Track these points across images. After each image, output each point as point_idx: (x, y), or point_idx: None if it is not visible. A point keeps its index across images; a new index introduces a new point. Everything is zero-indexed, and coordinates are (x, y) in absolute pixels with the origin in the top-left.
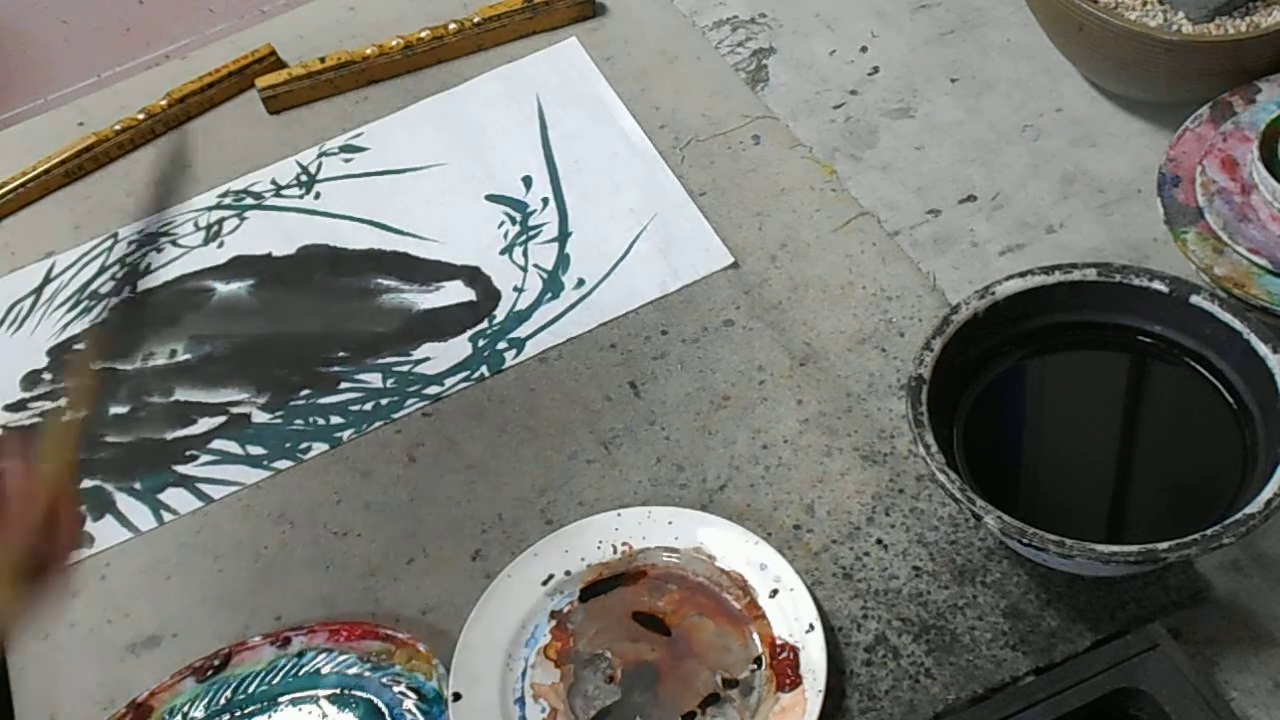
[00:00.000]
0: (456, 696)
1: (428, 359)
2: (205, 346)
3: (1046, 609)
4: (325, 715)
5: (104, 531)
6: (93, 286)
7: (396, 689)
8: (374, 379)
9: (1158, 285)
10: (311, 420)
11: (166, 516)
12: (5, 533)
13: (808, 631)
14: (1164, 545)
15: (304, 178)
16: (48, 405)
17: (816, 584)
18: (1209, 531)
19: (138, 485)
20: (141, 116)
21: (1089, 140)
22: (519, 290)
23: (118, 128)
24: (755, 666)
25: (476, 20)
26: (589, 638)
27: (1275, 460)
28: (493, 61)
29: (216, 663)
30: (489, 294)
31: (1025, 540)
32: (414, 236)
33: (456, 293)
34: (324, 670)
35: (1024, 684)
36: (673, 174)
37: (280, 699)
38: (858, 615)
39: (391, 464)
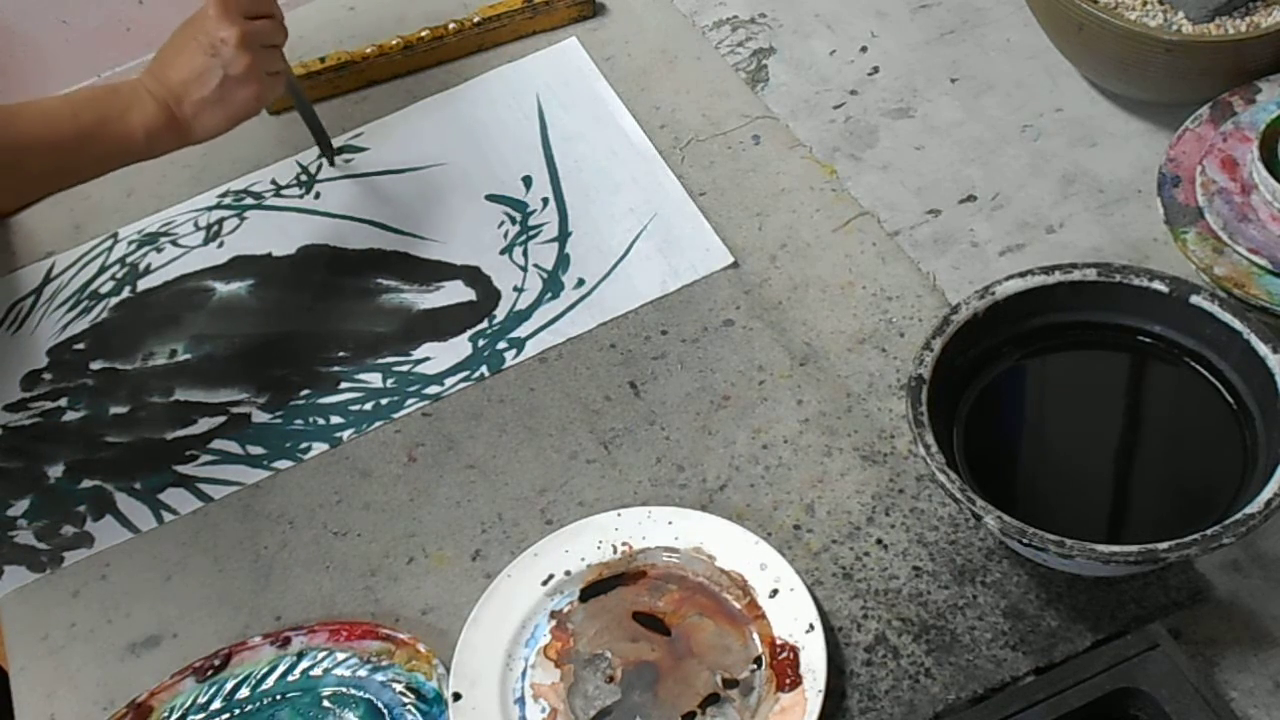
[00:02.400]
0: (456, 696)
1: (428, 359)
2: (205, 346)
3: (1046, 609)
4: (325, 715)
5: (104, 531)
6: (93, 286)
7: (396, 689)
8: (374, 379)
9: (1158, 285)
10: (311, 420)
11: (166, 516)
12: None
13: (808, 631)
14: (1164, 545)
15: (304, 178)
16: (48, 405)
17: (816, 584)
18: (1209, 531)
19: (138, 485)
20: None
21: (1089, 140)
22: (519, 290)
23: None
24: (755, 666)
25: (476, 20)
26: (589, 638)
27: (1275, 460)
28: (493, 61)
29: (216, 663)
30: (489, 294)
31: (1025, 540)
32: (414, 236)
33: (456, 293)
34: (324, 670)
35: (1024, 684)
36: (673, 174)
37: (280, 699)
38: (858, 615)
39: (391, 464)
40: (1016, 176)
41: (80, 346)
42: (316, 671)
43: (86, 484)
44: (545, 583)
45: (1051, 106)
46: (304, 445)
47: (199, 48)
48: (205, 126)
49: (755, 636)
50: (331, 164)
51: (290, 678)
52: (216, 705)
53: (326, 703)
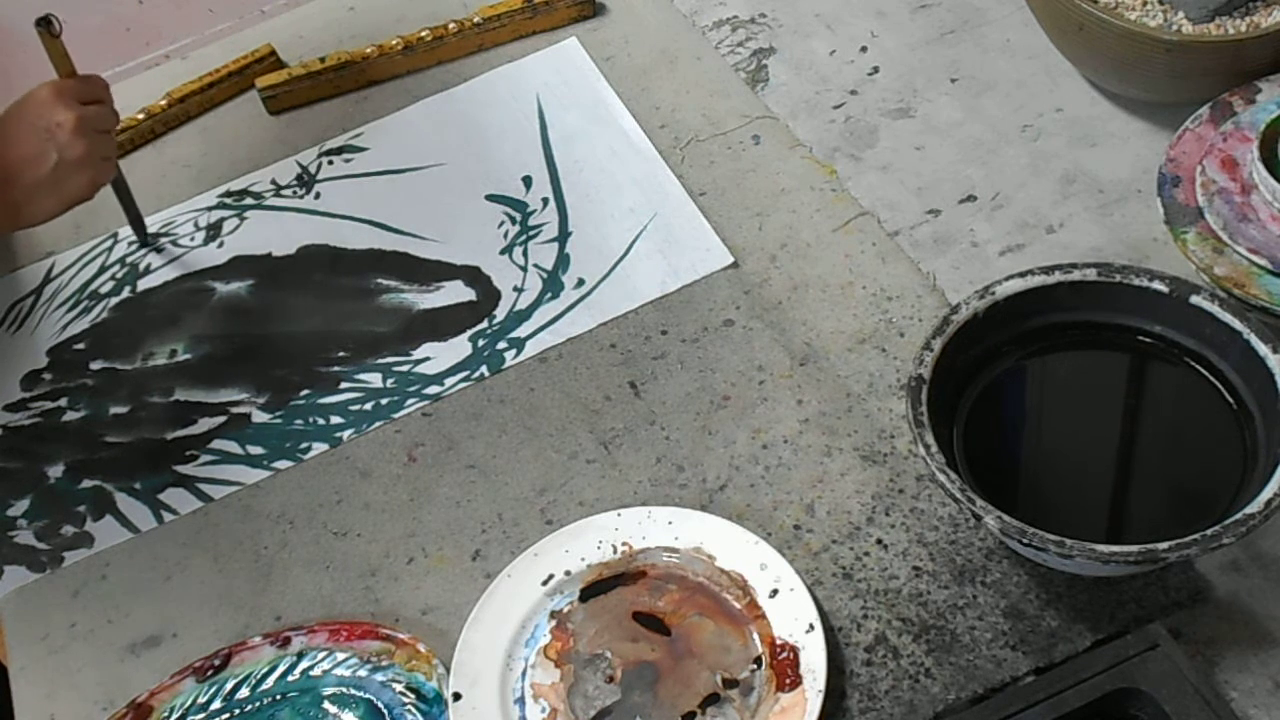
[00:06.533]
0: (456, 696)
1: (428, 359)
2: (205, 346)
3: (1046, 609)
4: (325, 715)
5: (104, 531)
6: (93, 286)
7: (396, 689)
8: (374, 379)
9: (1158, 285)
10: (311, 420)
11: (166, 516)
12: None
13: (808, 631)
14: (1164, 545)
15: (304, 178)
16: (48, 405)
17: (816, 584)
18: (1209, 531)
19: (138, 485)
20: (141, 116)
21: (1089, 140)
22: (519, 290)
23: (118, 128)
24: (755, 666)
25: (476, 20)
26: (589, 638)
27: (1275, 460)
28: (493, 61)
29: (216, 663)
30: (489, 294)
31: (1025, 540)
32: (414, 236)
33: (456, 293)
34: (324, 670)
35: (1024, 684)
36: (673, 174)
37: (280, 699)
38: (858, 615)
39: (391, 464)
40: (1016, 176)
41: (80, 346)
42: (316, 671)
43: (86, 484)
44: (545, 583)
45: (1051, 106)
46: (304, 445)
47: (33, 131)
48: (35, 211)
49: (755, 636)
50: (144, 245)
51: (290, 678)
52: (216, 705)
53: (326, 703)
